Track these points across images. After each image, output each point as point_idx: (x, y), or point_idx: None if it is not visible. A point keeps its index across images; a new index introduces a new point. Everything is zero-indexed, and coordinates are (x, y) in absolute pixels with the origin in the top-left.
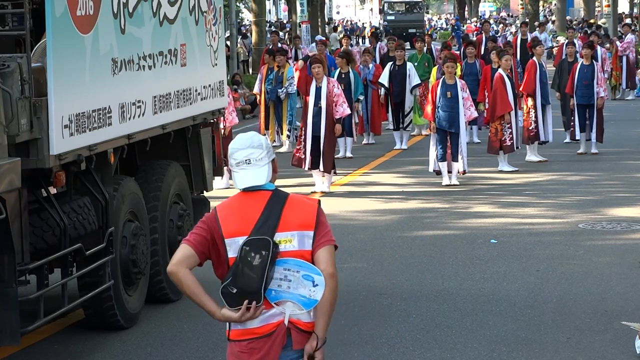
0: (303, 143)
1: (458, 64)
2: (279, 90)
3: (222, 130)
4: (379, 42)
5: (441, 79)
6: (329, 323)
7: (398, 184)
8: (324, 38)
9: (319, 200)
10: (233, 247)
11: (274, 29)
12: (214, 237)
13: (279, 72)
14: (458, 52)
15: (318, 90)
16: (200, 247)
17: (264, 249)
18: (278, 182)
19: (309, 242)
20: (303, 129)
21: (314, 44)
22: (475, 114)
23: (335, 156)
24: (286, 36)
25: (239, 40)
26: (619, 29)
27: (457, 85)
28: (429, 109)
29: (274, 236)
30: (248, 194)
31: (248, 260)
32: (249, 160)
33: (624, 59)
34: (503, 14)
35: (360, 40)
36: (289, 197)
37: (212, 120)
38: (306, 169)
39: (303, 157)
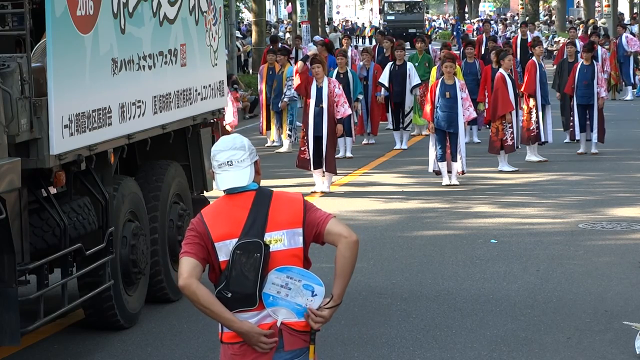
0: (307, 144)
1: (457, 65)
2: (283, 97)
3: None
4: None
5: (440, 79)
6: (346, 286)
7: (398, 184)
8: (322, 39)
9: (302, 194)
10: (223, 250)
11: (273, 31)
12: (205, 242)
13: (279, 71)
14: (458, 52)
15: (319, 90)
16: (201, 255)
17: (256, 251)
18: (278, 182)
19: (299, 240)
20: (305, 130)
21: (311, 44)
22: (474, 114)
23: (335, 156)
24: (286, 36)
25: (238, 40)
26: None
27: (456, 86)
28: (427, 109)
29: (264, 236)
30: (232, 195)
31: (241, 264)
32: (231, 162)
33: (631, 57)
34: (509, 14)
35: (360, 40)
36: (274, 194)
37: (212, 120)
38: (311, 170)
39: (308, 158)
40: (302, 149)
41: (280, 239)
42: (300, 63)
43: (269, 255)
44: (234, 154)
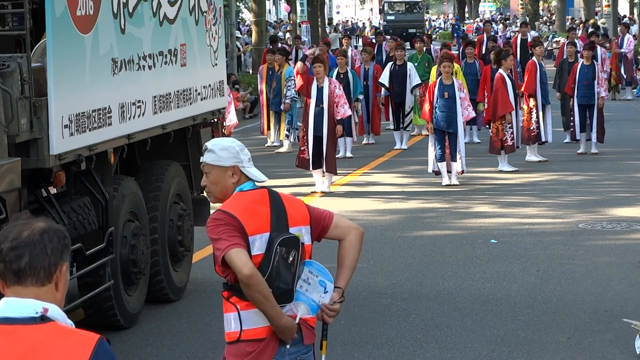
0: (306, 144)
1: (457, 64)
2: (284, 100)
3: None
4: (384, 42)
5: (438, 80)
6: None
7: (398, 184)
8: (305, 39)
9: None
10: (257, 244)
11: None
12: (242, 234)
13: (278, 71)
14: (458, 52)
15: (320, 90)
16: (246, 246)
17: (295, 246)
18: (279, 182)
19: (309, 237)
20: (305, 129)
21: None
22: (473, 114)
23: (336, 156)
24: (286, 36)
25: (238, 40)
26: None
27: (455, 86)
28: (426, 108)
29: (289, 231)
30: (247, 192)
31: (284, 260)
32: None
33: (622, 58)
34: (508, 14)
35: (360, 41)
36: (280, 194)
37: (212, 120)
38: (311, 170)
39: (308, 158)
40: (302, 148)
41: (300, 235)
42: (299, 63)
43: (304, 250)
44: None
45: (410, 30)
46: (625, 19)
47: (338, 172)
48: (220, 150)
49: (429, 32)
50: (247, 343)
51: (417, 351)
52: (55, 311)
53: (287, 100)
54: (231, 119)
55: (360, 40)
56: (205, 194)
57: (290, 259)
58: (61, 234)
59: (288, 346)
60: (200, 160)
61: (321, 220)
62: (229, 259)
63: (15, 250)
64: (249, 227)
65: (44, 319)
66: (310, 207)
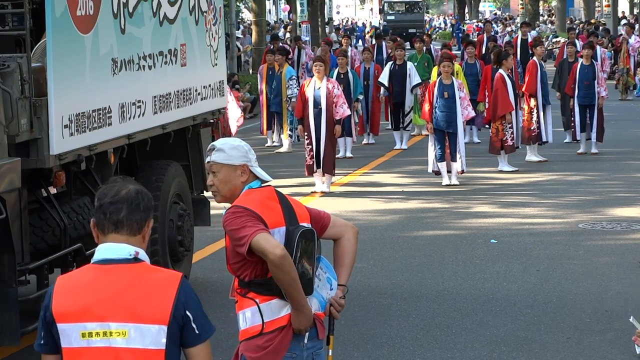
0: (312, 148)
1: (457, 64)
2: (290, 98)
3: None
4: (383, 42)
5: (438, 79)
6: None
7: (398, 184)
8: (305, 39)
9: None
10: (277, 237)
11: (273, 32)
12: (264, 225)
13: (278, 71)
14: (459, 52)
15: (317, 91)
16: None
17: (313, 239)
18: (279, 182)
19: None
20: (306, 134)
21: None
22: (473, 114)
23: (336, 156)
24: (286, 36)
25: (238, 40)
26: (619, 27)
27: (454, 85)
28: (426, 108)
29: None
30: (256, 189)
31: (307, 252)
32: None
33: (632, 58)
34: (507, 15)
35: (360, 41)
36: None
37: (212, 120)
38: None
39: (310, 163)
40: (310, 155)
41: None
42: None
43: (319, 243)
44: None
45: (411, 30)
46: (624, 20)
47: (338, 172)
48: (230, 149)
49: (429, 32)
50: (269, 335)
51: (417, 351)
52: (144, 255)
53: (294, 99)
54: (236, 114)
55: (360, 41)
56: (209, 193)
57: (310, 250)
58: (150, 195)
59: (306, 340)
60: (208, 160)
61: (320, 219)
62: (258, 244)
63: (115, 205)
64: (268, 220)
65: (136, 259)
66: (308, 207)
